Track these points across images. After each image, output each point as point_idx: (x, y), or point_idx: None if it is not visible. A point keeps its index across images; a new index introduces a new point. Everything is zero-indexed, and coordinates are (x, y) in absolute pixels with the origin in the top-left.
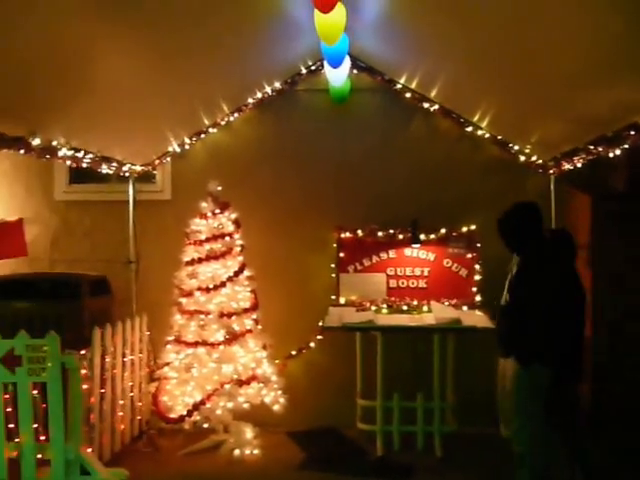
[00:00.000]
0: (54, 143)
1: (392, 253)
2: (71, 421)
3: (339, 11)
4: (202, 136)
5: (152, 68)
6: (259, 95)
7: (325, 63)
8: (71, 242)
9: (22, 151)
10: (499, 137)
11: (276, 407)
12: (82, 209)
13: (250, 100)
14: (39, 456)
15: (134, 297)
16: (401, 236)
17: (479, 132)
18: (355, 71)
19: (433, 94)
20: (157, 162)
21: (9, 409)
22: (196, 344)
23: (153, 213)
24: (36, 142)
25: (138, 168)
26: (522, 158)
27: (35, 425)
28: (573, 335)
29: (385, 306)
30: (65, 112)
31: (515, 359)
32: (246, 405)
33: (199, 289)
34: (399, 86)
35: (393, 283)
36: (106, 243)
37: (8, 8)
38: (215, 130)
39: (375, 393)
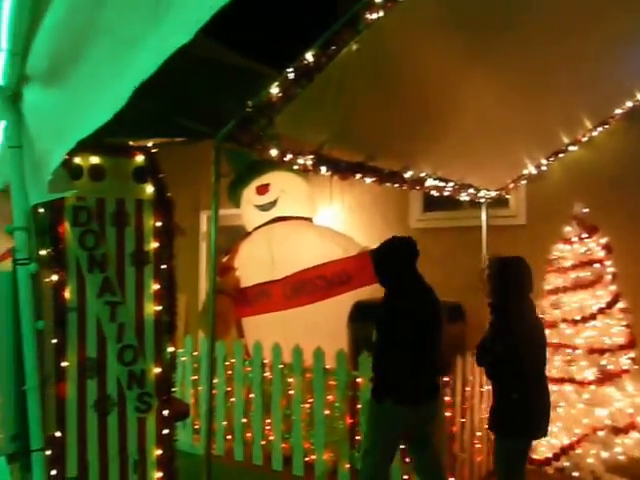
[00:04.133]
0: (422, 175)
1: None
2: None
3: None
4: (560, 155)
5: (512, 94)
6: (629, 104)
7: None
8: (425, 268)
9: (397, 184)
10: None
11: None
12: (435, 236)
13: (617, 111)
14: (405, 477)
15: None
16: None
17: None
18: None
19: None
20: (511, 186)
21: None
22: (562, 381)
23: (506, 238)
24: (408, 175)
25: (492, 193)
26: None
27: (402, 446)
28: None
29: None
30: (433, 147)
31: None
32: (622, 457)
33: (564, 321)
34: None
35: None
36: (458, 269)
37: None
38: (575, 148)
39: None
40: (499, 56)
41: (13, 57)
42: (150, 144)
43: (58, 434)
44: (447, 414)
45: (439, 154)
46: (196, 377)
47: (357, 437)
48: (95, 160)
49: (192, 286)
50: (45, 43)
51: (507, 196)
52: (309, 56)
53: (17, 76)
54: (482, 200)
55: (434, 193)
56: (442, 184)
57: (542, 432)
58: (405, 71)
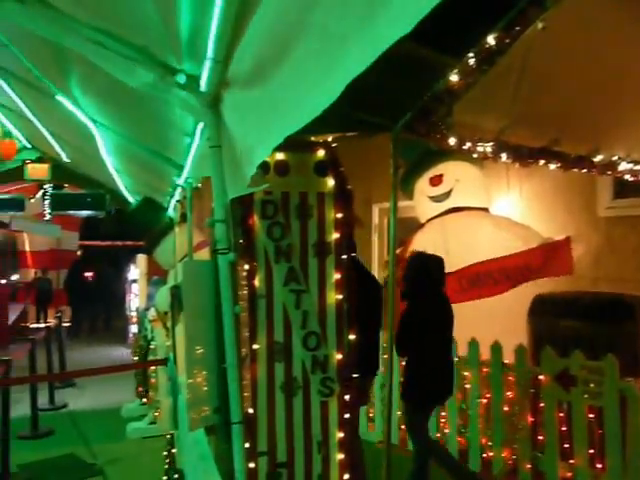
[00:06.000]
0: (614, 158)
1: None
2: (629, 455)
3: None
4: None
5: None
6: None
7: None
8: (616, 260)
9: (584, 170)
10: None
11: None
12: (629, 225)
13: None
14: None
15: None
16: None
17: None
18: None
19: None
20: None
21: (564, 428)
22: None
23: None
24: (598, 159)
25: None
26: None
27: (591, 451)
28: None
29: None
30: (628, 127)
31: None
32: None
33: None
34: None
35: None
36: None
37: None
38: None
39: None
40: None
41: (216, 64)
42: (330, 139)
43: (251, 411)
44: None
45: (635, 134)
46: None
47: (539, 437)
48: (280, 156)
49: None
50: (249, 48)
51: None
52: (491, 39)
53: (218, 82)
54: None
55: (628, 178)
56: (638, 167)
57: (442, 400)
58: (598, 45)
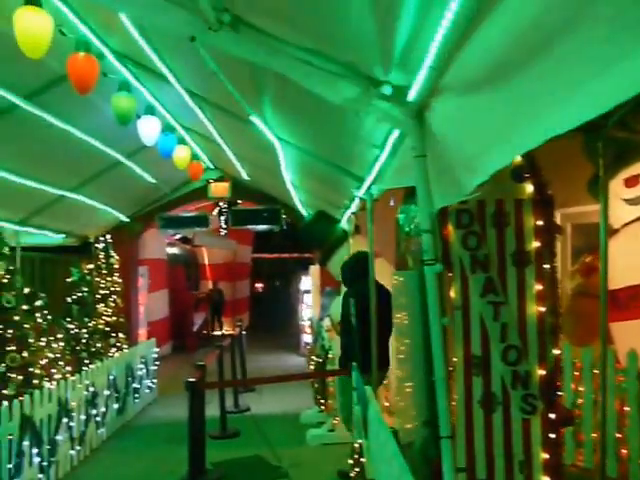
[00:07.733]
0: None
1: None
2: None
3: None
4: None
5: None
6: None
7: None
8: None
9: None
10: None
11: None
12: None
13: None
14: None
15: None
16: None
17: None
18: None
19: None
20: None
21: None
22: None
23: None
24: None
25: None
26: None
27: None
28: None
29: None
30: None
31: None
32: None
33: None
34: None
35: None
36: None
37: None
38: None
39: None
40: None
41: (432, 72)
42: None
43: None
44: None
45: None
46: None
47: None
48: None
49: None
50: (479, 52)
51: None
52: None
53: (429, 89)
54: None
55: None
56: None
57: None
58: None
